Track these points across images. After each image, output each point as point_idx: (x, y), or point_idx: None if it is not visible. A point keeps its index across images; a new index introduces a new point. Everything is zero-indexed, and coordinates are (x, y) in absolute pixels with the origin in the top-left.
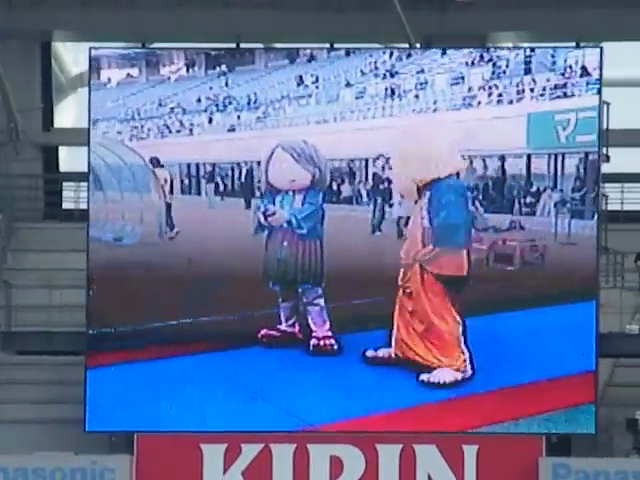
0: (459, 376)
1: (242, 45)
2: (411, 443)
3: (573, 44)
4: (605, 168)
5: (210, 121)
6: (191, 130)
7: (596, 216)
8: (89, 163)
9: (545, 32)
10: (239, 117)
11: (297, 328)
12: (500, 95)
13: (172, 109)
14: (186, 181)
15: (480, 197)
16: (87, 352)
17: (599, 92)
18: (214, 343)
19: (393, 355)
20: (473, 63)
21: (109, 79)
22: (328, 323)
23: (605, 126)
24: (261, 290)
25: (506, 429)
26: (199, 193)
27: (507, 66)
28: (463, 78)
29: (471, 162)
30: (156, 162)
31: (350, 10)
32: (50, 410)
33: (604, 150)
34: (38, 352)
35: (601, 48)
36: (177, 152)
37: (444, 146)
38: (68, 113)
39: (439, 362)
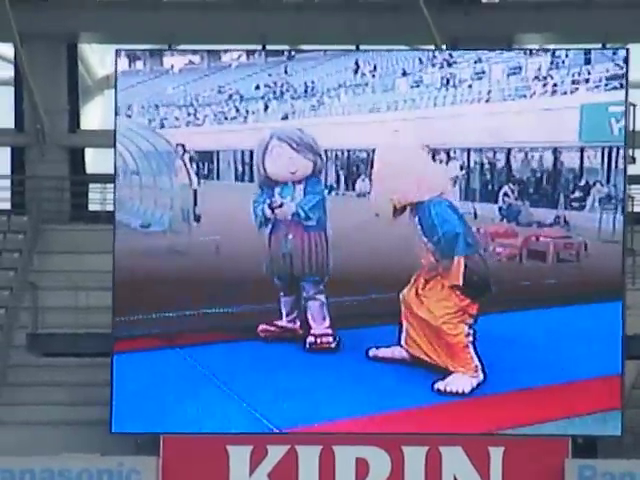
0: (474, 382)
1: (268, 47)
2: (437, 445)
3: (599, 45)
4: (631, 170)
5: (266, 108)
6: (245, 118)
7: (622, 217)
8: (115, 165)
9: (571, 33)
10: (293, 105)
11: (298, 324)
12: (555, 85)
13: (230, 96)
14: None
15: (530, 190)
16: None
17: (625, 94)
18: (220, 335)
19: (400, 354)
20: (532, 53)
21: (172, 66)
22: (328, 319)
23: (632, 127)
24: (265, 284)
25: (532, 431)
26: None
27: (567, 55)
28: (521, 68)
29: (526, 155)
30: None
31: (376, 12)
32: (76, 412)
33: (630, 152)
34: (64, 354)
35: (627, 49)
36: (226, 140)
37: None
38: (94, 115)
39: (452, 365)
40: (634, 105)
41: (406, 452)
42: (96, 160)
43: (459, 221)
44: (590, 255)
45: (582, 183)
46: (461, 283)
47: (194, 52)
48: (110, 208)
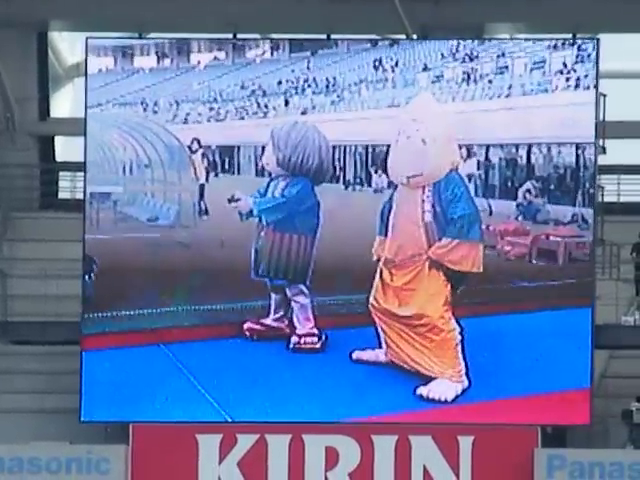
0: (459, 388)
1: (239, 35)
2: (407, 434)
3: (569, 35)
4: (601, 160)
5: (286, 104)
6: (266, 113)
7: (591, 210)
8: (85, 153)
9: (541, 23)
10: (313, 100)
11: (285, 323)
12: (578, 80)
13: (253, 91)
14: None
15: (552, 187)
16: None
17: (595, 84)
18: (206, 331)
19: (383, 358)
20: (556, 47)
21: (198, 62)
22: (312, 320)
23: (602, 118)
24: (251, 281)
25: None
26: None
27: (594, 48)
28: (544, 62)
29: (549, 149)
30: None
31: (347, 1)
32: (45, 400)
33: (600, 142)
34: (34, 342)
35: (597, 40)
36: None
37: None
38: (64, 103)
39: (436, 368)
40: (604, 95)
41: (376, 441)
42: (66, 148)
43: (474, 205)
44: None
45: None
46: (480, 269)
47: (219, 48)
48: (80, 196)
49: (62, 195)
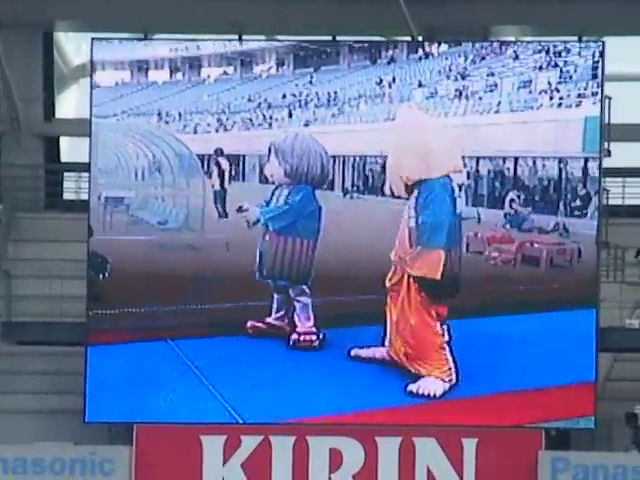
0: (446, 386)
1: (244, 37)
2: (411, 436)
3: (575, 38)
4: (606, 162)
5: (290, 116)
6: (270, 124)
7: (597, 211)
8: (90, 153)
9: (547, 26)
10: (315, 113)
11: (286, 321)
12: (561, 99)
13: (259, 104)
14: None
15: (536, 198)
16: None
17: (601, 86)
18: (208, 330)
19: (380, 355)
20: (541, 68)
21: (208, 76)
22: (312, 320)
23: (607, 120)
24: (259, 282)
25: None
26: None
27: (575, 71)
28: (531, 81)
29: (534, 162)
30: (220, 152)
31: (353, 2)
32: (50, 400)
33: (605, 145)
34: (38, 342)
35: (603, 42)
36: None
37: (445, 146)
38: (69, 103)
39: (422, 369)
40: (609, 98)
41: (380, 443)
42: (71, 149)
43: (451, 211)
44: (583, 261)
45: (583, 192)
46: (437, 276)
47: (228, 63)
48: (85, 197)
49: (67, 196)
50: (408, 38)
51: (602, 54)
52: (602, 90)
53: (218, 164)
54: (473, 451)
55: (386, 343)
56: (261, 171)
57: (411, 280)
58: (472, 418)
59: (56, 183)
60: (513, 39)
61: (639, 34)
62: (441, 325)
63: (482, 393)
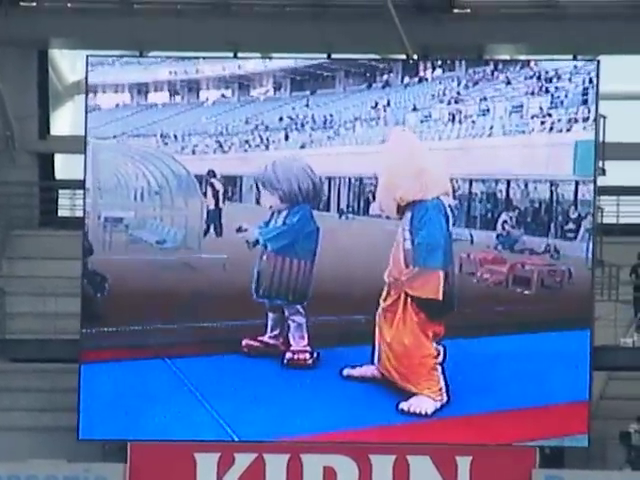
0: (437, 404)
1: (239, 54)
2: (405, 454)
3: (570, 57)
4: (601, 181)
5: (287, 138)
6: (267, 146)
7: (587, 233)
8: (85, 171)
9: (542, 45)
10: (311, 135)
11: (281, 340)
12: (553, 123)
13: (256, 126)
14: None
15: (528, 219)
16: (82, 351)
17: (595, 105)
18: (203, 348)
19: (372, 373)
20: (533, 93)
21: (207, 98)
22: (306, 338)
23: (601, 139)
24: (254, 301)
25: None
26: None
27: (566, 96)
28: (522, 106)
29: (526, 185)
30: (212, 174)
31: (347, 20)
32: (44, 418)
33: (600, 163)
34: (32, 360)
35: (598, 61)
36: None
37: (438, 168)
38: (64, 121)
39: (416, 387)
40: (604, 117)
41: (374, 461)
42: (66, 166)
43: (445, 232)
44: (574, 282)
45: (575, 215)
46: (438, 296)
47: (226, 87)
48: (79, 214)
49: (62, 213)
50: (403, 56)
51: (597, 72)
52: (597, 108)
53: (212, 185)
54: (467, 469)
55: (375, 361)
56: (257, 191)
57: (409, 300)
58: (466, 436)
59: (51, 200)
60: (508, 57)
61: (633, 53)
62: (437, 345)
63: (476, 411)
